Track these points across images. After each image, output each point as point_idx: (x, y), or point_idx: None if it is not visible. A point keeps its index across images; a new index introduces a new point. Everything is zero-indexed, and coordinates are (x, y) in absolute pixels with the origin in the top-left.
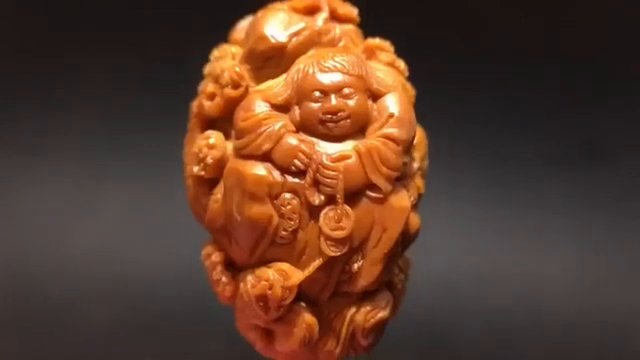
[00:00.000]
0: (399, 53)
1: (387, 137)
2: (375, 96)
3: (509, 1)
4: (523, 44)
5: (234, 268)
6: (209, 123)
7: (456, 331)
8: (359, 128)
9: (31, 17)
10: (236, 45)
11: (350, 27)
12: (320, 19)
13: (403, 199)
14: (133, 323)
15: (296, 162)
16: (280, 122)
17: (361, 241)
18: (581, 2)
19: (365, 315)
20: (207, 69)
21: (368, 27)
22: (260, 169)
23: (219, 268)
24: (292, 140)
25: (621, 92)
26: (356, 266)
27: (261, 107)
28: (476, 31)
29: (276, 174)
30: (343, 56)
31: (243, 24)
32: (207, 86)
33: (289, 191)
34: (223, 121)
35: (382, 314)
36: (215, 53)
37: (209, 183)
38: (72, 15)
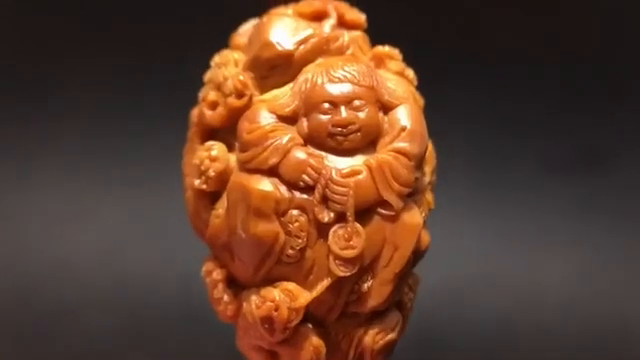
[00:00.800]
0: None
1: (399, 151)
2: (386, 108)
3: (509, 1)
4: (523, 45)
5: (236, 285)
6: (210, 133)
7: (456, 337)
8: (370, 142)
9: (31, 19)
10: (238, 51)
11: (358, 34)
12: (327, 25)
13: (415, 216)
14: (133, 330)
15: (304, 177)
16: (287, 135)
17: (371, 260)
18: (582, 2)
19: (374, 337)
20: (208, 76)
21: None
22: (266, 184)
23: (220, 286)
24: (300, 154)
25: (622, 94)
26: (366, 286)
27: (267, 119)
28: (476, 33)
29: (283, 189)
30: (353, 66)
31: (245, 28)
32: (208, 94)
33: (297, 208)
34: (225, 131)
35: (391, 335)
36: (216, 59)
37: (210, 197)
38: (72, 15)
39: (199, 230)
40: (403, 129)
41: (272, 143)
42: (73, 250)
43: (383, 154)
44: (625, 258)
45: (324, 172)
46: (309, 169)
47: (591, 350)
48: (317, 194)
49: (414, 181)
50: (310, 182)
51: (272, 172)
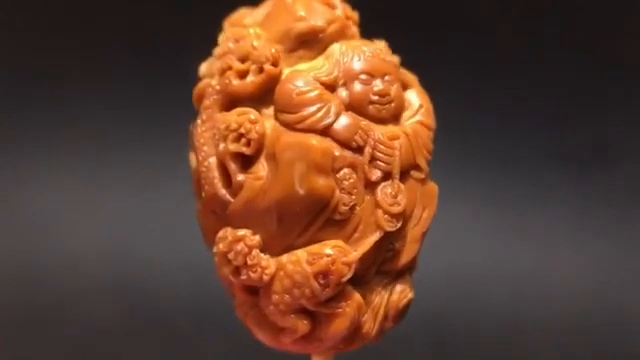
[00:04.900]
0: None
1: (422, 124)
2: (404, 87)
3: (510, 1)
4: (529, 38)
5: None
6: (230, 104)
7: (462, 330)
8: (397, 114)
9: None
10: (255, 27)
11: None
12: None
13: (432, 182)
14: (134, 322)
15: (356, 137)
16: (336, 100)
17: (404, 219)
18: (584, 2)
19: (399, 295)
20: (218, 50)
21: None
22: (326, 141)
23: (255, 252)
24: (349, 117)
25: (627, 91)
26: (398, 244)
27: (314, 83)
28: (477, 33)
29: (337, 148)
30: (380, 46)
31: (243, 11)
32: (232, 64)
33: (349, 166)
34: (247, 101)
35: (411, 295)
36: (228, 34)
37: (245, 161)
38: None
39: (218, 201)
40: (422, 106)
41: (324, 105)
42: (74, 242)
43: (411, 125)
44: (633, 252)
45: (371, 133)
46: (360, 130)
47: (597, 344)
48: (367, 154)
49: None
50: (361, 142)
51: (324, 133)
